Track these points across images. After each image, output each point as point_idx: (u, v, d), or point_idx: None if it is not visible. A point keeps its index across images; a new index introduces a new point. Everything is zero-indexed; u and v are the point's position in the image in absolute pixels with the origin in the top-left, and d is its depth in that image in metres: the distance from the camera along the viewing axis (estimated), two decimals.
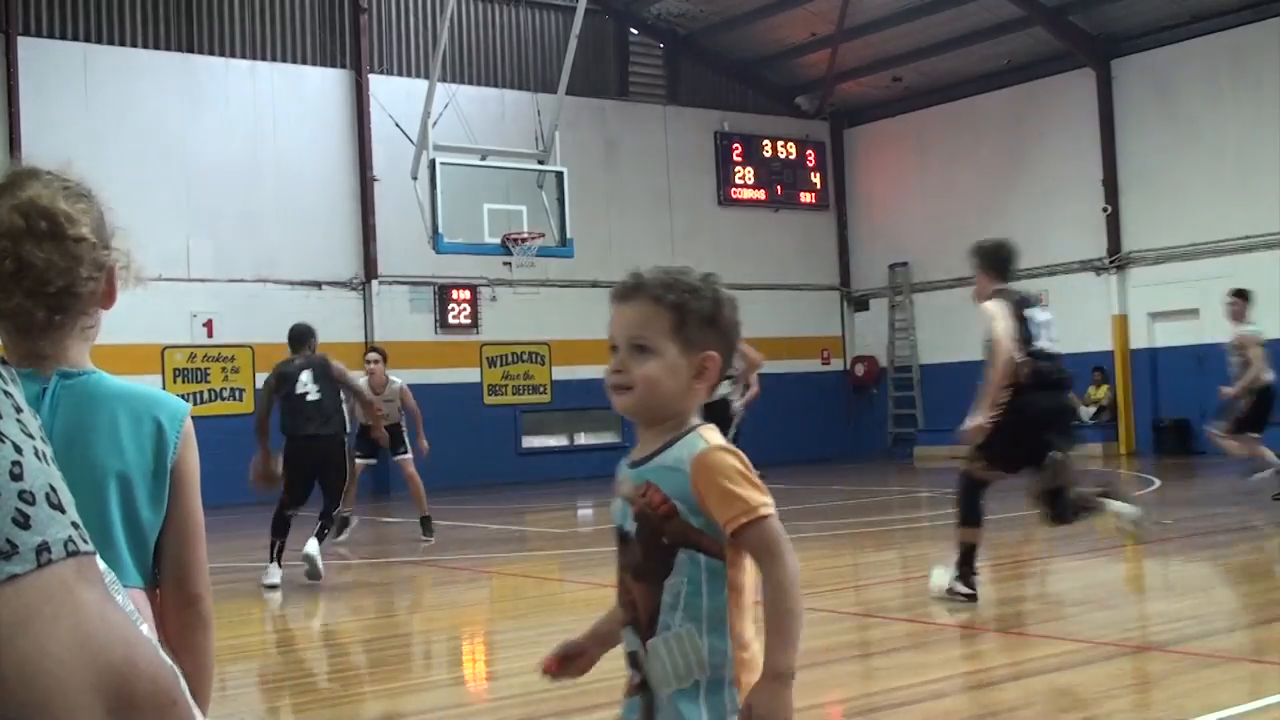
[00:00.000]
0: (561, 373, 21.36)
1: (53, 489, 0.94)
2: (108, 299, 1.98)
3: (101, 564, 1.67)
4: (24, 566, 0.89)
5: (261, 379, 18.78)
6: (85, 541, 0.95)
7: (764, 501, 2.04)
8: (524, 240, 16.65)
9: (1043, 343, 7.05)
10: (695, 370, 2.13)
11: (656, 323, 2.12)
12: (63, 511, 0.94)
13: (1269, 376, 12.14)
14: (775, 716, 1.98)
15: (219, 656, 7.25)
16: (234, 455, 15.56)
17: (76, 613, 0.90)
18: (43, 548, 0.90)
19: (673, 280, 2.14)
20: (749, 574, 2.10)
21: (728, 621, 2.06)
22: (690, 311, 2.12)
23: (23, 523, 0.90)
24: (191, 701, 1.62)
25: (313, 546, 9.19)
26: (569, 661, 2.30)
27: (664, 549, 2.07)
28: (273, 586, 9.07)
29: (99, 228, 1.93)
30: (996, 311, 6.92)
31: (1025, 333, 6.94)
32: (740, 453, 2.10)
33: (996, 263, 7.24)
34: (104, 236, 1.94)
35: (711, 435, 2.13)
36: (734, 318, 2.19)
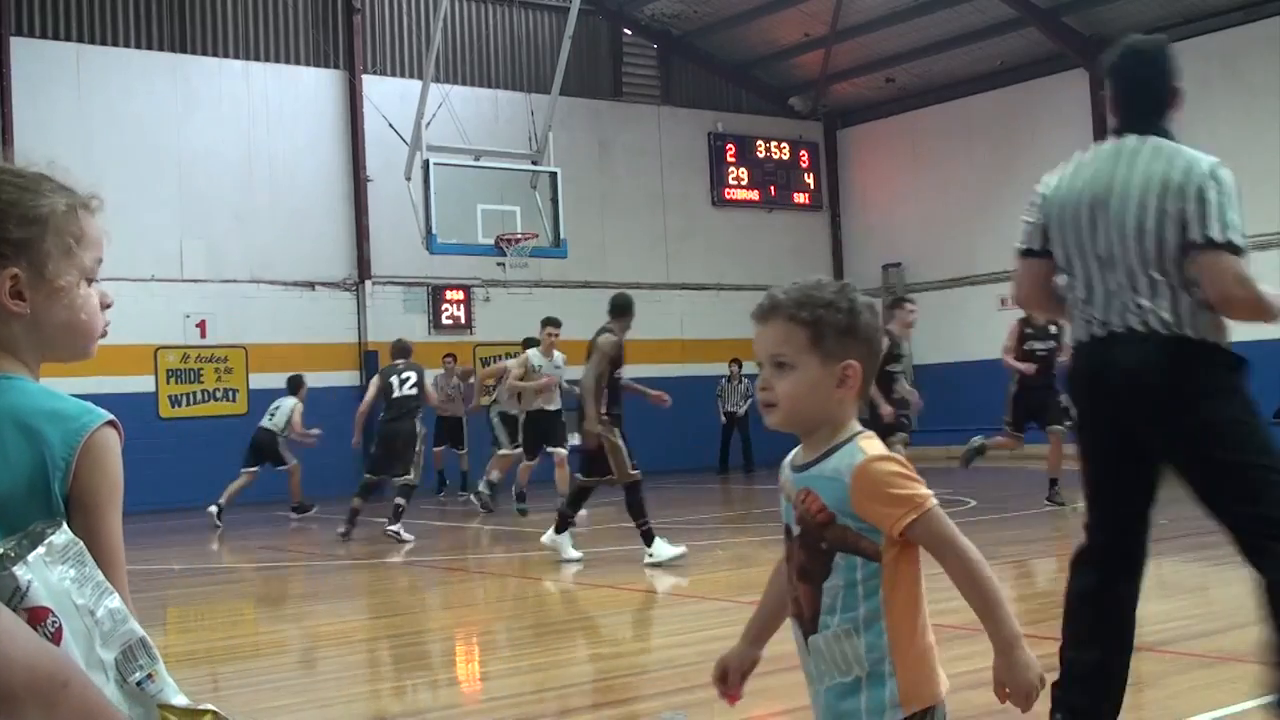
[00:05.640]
0: None
1: None
2: (12, 305, 1.74)
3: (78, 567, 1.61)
4: None
5: (255, 380, 18.91)
6: None
7: (926, 494, 2.14)
8: (517, 241, 16.65)
9: None
10: (837, 380, 2.20)
11: (794, 339, 2.19)
12: None
13: None
14: (1024, 679, 2.18)
15: (213, 656, 7.18)
16: (226, 456, 15.57)
17: None
18: None
19: (806, 296, 2.21)
20: (912, 571, 2.20)
21: (884, 620, 2.16)
22: (826, 325, 2.19)
23: None
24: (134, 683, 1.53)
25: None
26: (738, 675, 2.39)
27: (823, 553, 2.17)
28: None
29: None
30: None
31: None
32: (898, 456, 2.20)
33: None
34: None
35: (870, 445, 2.19)
36: (874, 323, 2.26)
